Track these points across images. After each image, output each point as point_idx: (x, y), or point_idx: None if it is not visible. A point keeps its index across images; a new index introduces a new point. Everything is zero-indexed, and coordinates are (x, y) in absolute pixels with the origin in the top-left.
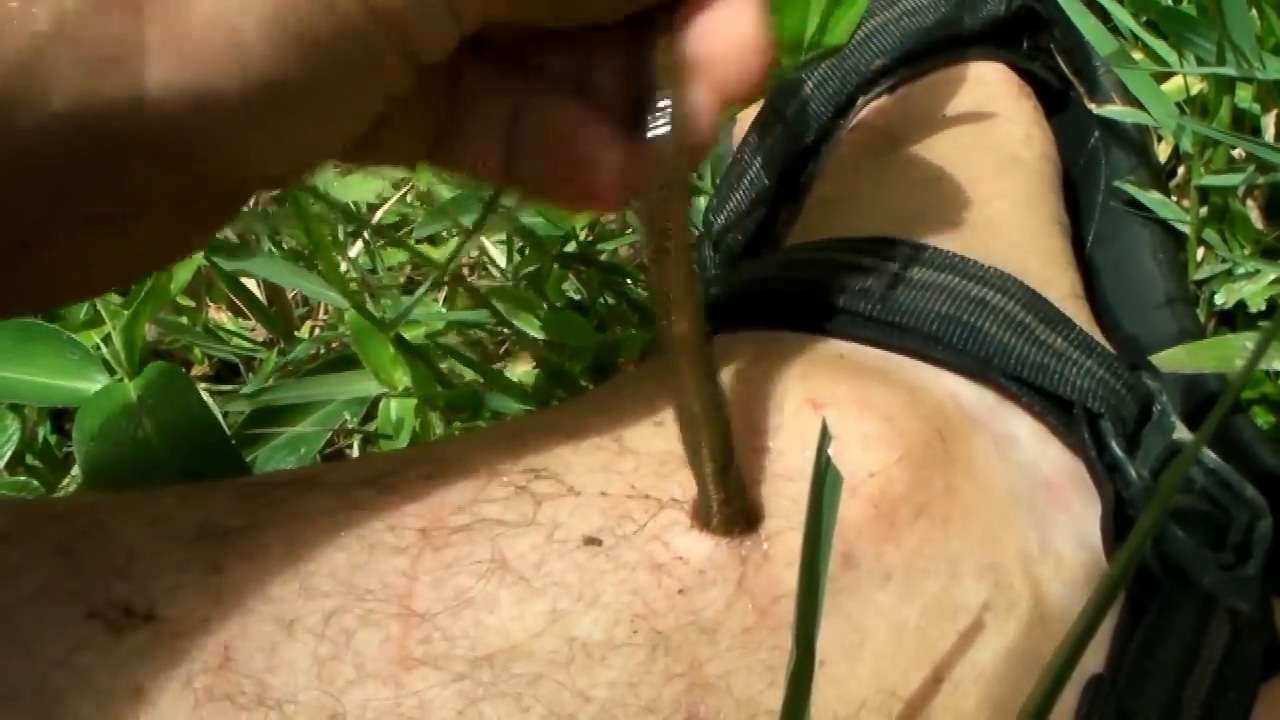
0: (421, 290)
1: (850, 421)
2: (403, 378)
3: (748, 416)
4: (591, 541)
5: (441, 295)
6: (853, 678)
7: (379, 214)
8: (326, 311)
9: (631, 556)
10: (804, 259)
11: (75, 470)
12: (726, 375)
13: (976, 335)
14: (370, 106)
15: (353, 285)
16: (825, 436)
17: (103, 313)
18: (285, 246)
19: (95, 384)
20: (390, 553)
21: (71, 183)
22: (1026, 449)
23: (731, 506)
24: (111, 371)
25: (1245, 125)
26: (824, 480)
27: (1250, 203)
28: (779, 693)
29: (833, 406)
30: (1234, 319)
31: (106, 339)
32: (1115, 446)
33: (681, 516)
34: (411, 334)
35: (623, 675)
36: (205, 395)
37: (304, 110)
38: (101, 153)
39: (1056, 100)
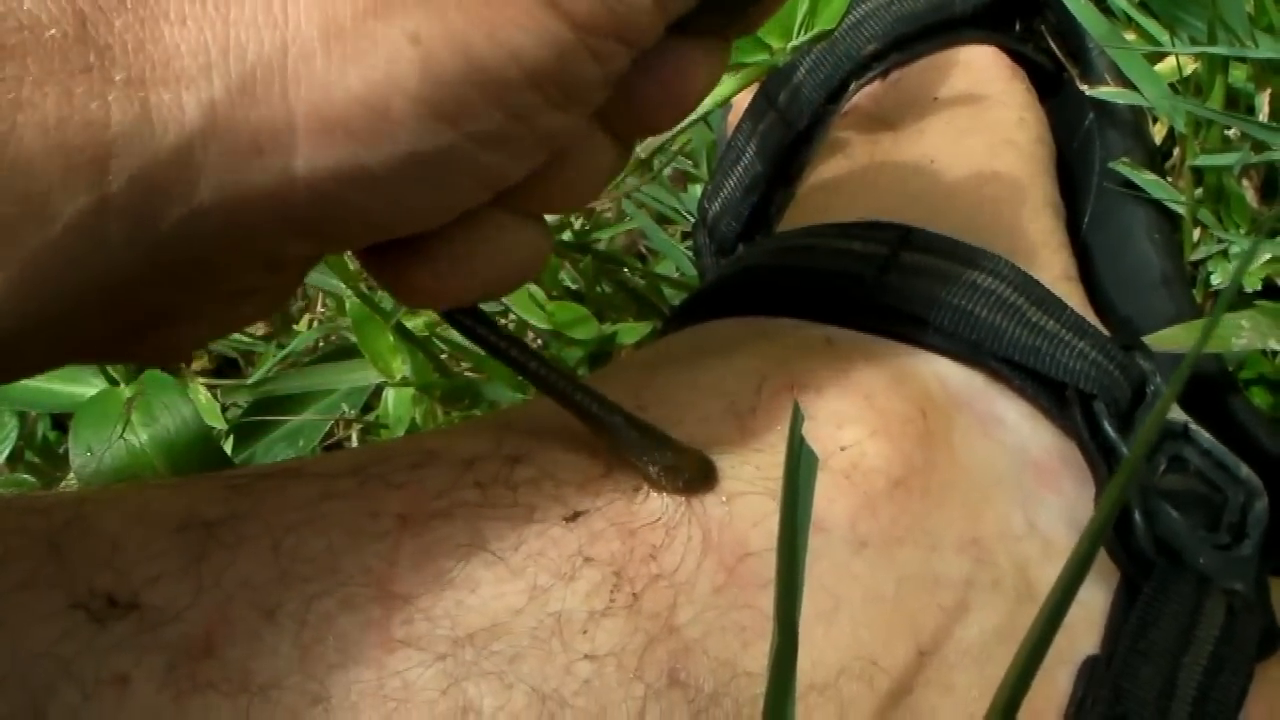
0: None
1: (826, 402)
2: (401, 367)
3: (728, 399)
4: (568, 519)
5: None
6: (829, 643)
7: None
8: (324, 305)
9: (603, 527)
10: (795, 245)
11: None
12: (713, 361)
13: (967, 319)
14: (508, 175)
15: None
16: (797, 418)
17: None
18: None
19: (91, 388)
20: (371, 538)
21: (219, 263)
22: (1014, 430)
23: (671, 467)
24: (107, 375)
25: (1240, 105)
26: (798, 461)
27: (1245, 182)
28: (754, 652)
29: (810, 388)
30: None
31: None
32: (1108, 428)
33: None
34: (410, 324)
35: (604, 645)
36: (204, 389)
37: (445, 178)
38: (247, 235)
39: (1050, 83)
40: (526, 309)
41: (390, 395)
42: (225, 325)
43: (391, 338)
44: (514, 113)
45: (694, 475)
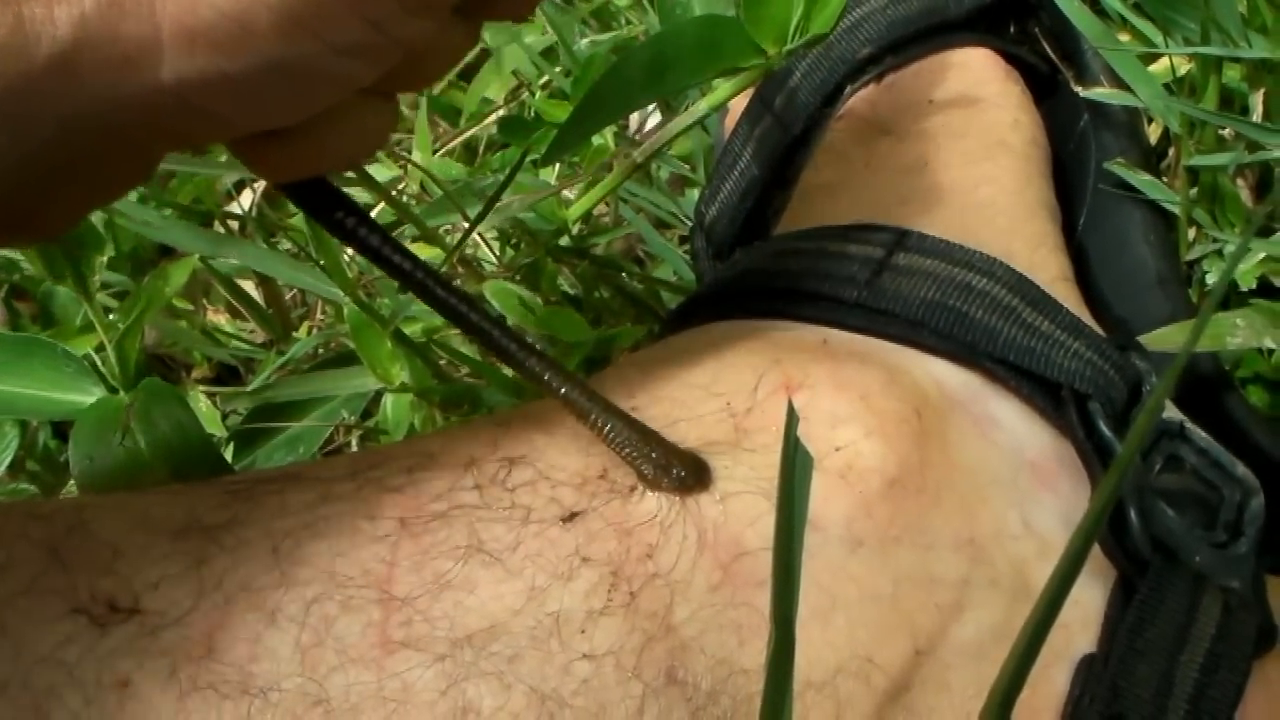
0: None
1: (821, 402)
2: (400, 373)
3: (724, 399)
4: (565, 520)
5: None
6: (825, 642)
7: (373, 214)
8: (324, 312)
9: (600, 527)
10: (791, 248)
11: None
12: (707, 364)
13: (962, 320)
14: (365, 78)
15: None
16: (793, 419)
17: (97, 324)
18: (280, 248)
19: (91, 396)
20: (369, 541)
21: (87, 162)
22: (1010, 431)
23: (664, 465)
24: (107, 383)
25: (1234, 105)
26: (794, 461)
27: (1240, 182)
28: (750, 650)
29: (806, 389)
30: (1226, 297)
31: (101, 347)
32: (1103, 427)
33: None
34: (409, 330)
35: (603, 645)
36: (205, 397)
37: (304, 84)
38: (117, 137)
39: (1045, 85)
40: (520, 315)
41: (389, 401)
42: (80, 213)
43: (390, 344)
44: (373, 22)
45: (687, 474)
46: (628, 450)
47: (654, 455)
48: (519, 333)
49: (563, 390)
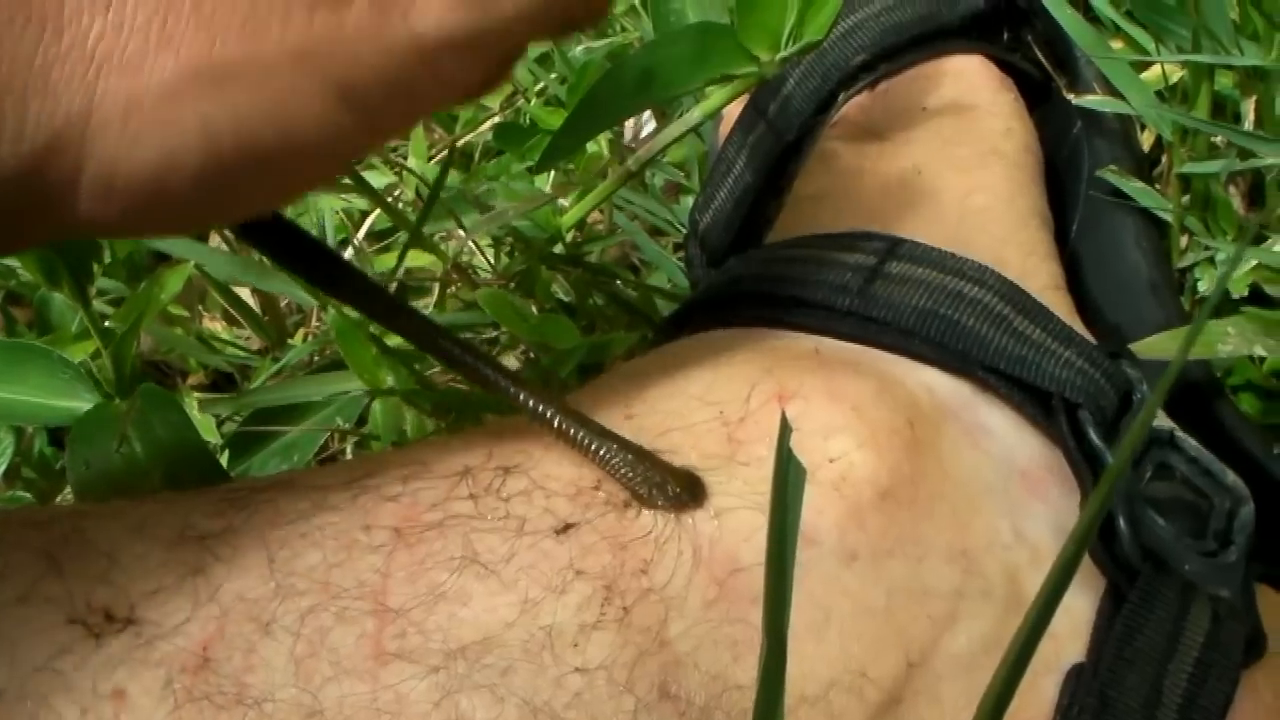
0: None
1: (815, 412)
2: (387, 377)
3: (717, 409)
4: (559, 531)
5: (432, 300)
6: (818, 656)
7: (369, 220)
8: (319, 319)
9: (594, 540)
10: (784, 256)
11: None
12: (700, 373)
13: (954, 328)
14: (279, 204)
15: None
16: (785, 431)
17: (92, 331)
18: None
19: (86, 403)
20: (365, 551)
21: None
22: (1001, 439)
23: (659, 483)
24: (103, 389)
25: (1226, 112)
26: (787, 473)
27: (1232, 189)
28: (745, 665)
29: (799, 398)
30: (1218, 305)
31: (98, 353)
32: (1093, 436)
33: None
34: (392, 343)
35: (595, 658)
36: (199, 404)
37: (214, 219)
38: (27, 239)
39: (1038, 92)
40: (513, 323)
41: (377, 405)
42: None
43: (375, 350)
44: (284, 184)
45: (682, 491)
46: (623, 471)
47: (649, 474)
48: (479, 348)
49: (556, 420)
